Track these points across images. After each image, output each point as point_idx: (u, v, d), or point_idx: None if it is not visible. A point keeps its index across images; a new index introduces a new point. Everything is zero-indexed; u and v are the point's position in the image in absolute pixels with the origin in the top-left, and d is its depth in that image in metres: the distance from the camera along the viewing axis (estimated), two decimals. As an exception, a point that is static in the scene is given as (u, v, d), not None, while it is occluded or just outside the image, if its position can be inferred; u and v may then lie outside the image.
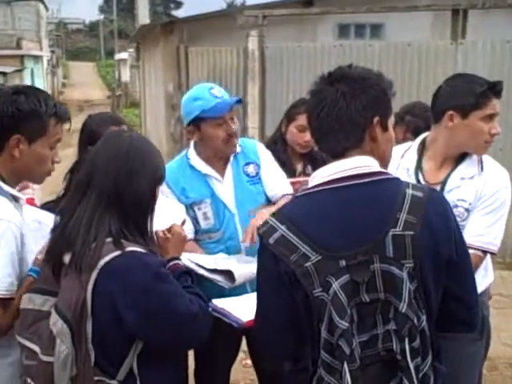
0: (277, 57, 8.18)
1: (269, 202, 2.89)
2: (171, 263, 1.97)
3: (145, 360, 1.81)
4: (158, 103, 11.77)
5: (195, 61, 9.04)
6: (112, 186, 1.80)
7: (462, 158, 2.49)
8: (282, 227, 1.59)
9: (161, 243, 2.02)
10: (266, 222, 1.64)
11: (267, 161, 2.93)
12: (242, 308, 2.17)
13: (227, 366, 3.08)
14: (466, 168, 2.47)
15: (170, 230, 2.07)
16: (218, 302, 2.21)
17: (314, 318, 1.55)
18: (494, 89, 2.36)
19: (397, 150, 2.60)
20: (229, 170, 2.81)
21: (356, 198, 1.60)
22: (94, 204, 1.80)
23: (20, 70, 24.71)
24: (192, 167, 2.80)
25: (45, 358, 1.79)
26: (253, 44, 8.15)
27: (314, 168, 3.21)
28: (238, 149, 2.83)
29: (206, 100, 2.68)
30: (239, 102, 2.79)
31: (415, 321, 1.53)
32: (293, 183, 3.05)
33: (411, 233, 1.54)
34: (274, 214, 1.66)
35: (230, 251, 2.71)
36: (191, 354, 3.02)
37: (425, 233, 1.56)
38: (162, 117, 10.56)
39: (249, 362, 4.28)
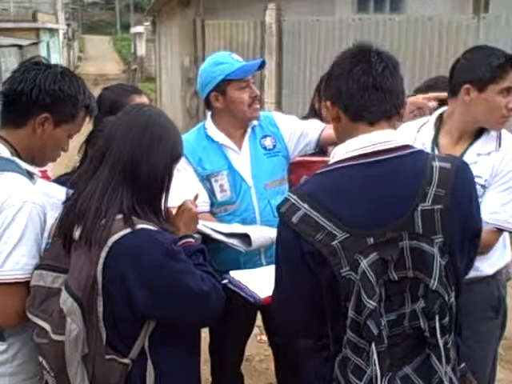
0: (294, 31, 8.08)
1: (315, 153, 2.92)
2: (183, 241, 1.91)
3: (156, 339, 1.79)
4: (174, 77, 11.72)
5: (212, 34, 8.96)
6: (127, 159, 1.76)
7: (479, 133, 2.42)
8: (305, 205, 1.53)
9: (172, 220, 1.99)
10: (286, 200, 1.59)
11: (287, 124, 2.89)
12: (259, 282, 2.14)
13: (242, 341, 3.07)
14: (483, 144, 2.40)
15: (181, 206, 2.03)
16: (235, 274, 2.19)
17: (339, 297, 1.51)
18: None
19: (414, 124, 2.55)
20: (246, 141, 2.77)
21: (381, 174, 1.55)
22: (108, 177, 1.76)
23: (36, 43, 24.72)
24: (209, 138, 2.76)
25: (55, 337, 1.75)
26: (270, 17, 8.05)
27: None
28: (255, 122, 2.80)
29: (230, 63, 2.68)
30: (263, 65, 2.78)
31: (446, 297, 1.50)
32: (316, 162, 2.96)
33: (440, 206, 1.51)
34: (294, 192, 1.61)
35: (245, 224, 2.66)
36: (205, 328, 3.03)
37: (453, 205, 1.53)
38: (177, 91, 10.52)
39: (263, 337, 4.30)
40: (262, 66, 2.77)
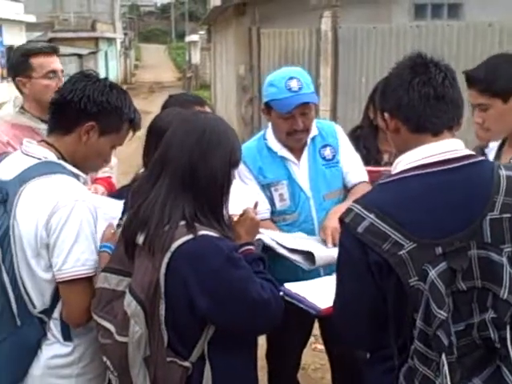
0: (350, 38, 8.03)
1: (345, 186, 2.84)
2: (244, 248, 1.93)
3: (215, 344, 1.81)
4: (229, 85, 11.83)
5: (267, 42, 9.00)
6: (187, 166, 1.78)
7: None
8: (371, 215, 1.53)
9: (234, 228, 2.01)
10: (350, 210, 1.59)
11: (345, 143, 2.86)
12: (317, 293, 2.13)
13: (299, 349, 3.07)
14: None
15: (242, 214, 2.04)
16: (291, 287, 2.18)
17: (406, 307, 1.50)
18: None
19: None
20: (305, 152, 2.76)
21: (448, 184, 1.54)
22: (169, 185, 1.79)
23: (94, 52, 25.39)
24: (269, 148, 2.78)
25: (119, 338, 1.80)
26: (326, 25, 8.03)
27: None
28: (315, 132, 2.79)
29: (279, 90, 2.63)
30: (312, 99, 2.68)
31: None
32: (370, 172, 2.93)
33: (509, 215, 1.51)
34: (358, 202, 1.60)
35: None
36: (262, 336, 3.03)
37: None
38: (232, 99, 10.61)
39: (319, 346, 4.28)
40: (311, 99, 2.66)
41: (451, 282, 1.46)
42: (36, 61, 2.83)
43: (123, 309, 1.79)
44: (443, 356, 1.42)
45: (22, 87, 2.87)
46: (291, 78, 2.63)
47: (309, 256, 2.31)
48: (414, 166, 1.59)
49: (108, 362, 1.87)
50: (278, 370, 3.07)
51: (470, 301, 1.49)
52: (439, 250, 1.48)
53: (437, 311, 1.42)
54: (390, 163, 3.17)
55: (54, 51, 2.94)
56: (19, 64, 2.87)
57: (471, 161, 1.59)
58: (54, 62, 2.90)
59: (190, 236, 1.72)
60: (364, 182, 2.79)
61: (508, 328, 1.46)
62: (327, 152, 2.79)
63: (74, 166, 2.01)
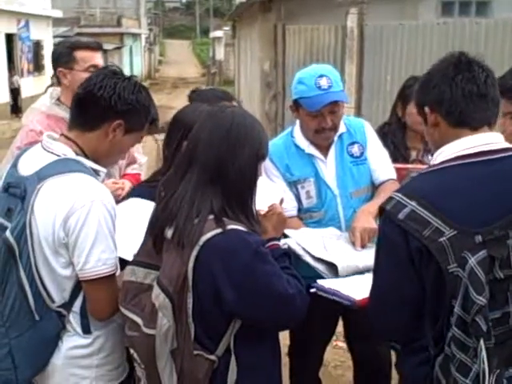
0: (376, 35, 7.99)
1: (373, 183, 2.83)
2: (270, 243, 1.93)
3: (242, 338, 1.81)
4: (253, 81, 11.83)
5: (292, 39, 8.98)
6: (215, 160, 1.79)
7: None
8: (412, 203, 1.57)
9: (261, 222, 2.02)
10: (391, 199, 1.63)
11: (374, 141, 2.84)
12: (350, 287, 2.13)
13: (322, 345, 3.07)
14: None
15: (270, 210, 2.04)
16: (324, 283, 2.19)
17: (444, 294, 1.54)
18: None
19: None
20: (332, 150, 2.75)
21: (488, 174, 1.60)
22: (197, 179, 1.80)
23: (119, 48, 25.58)
24: (297, 146, 2.78)
25: (147, 331, 1.81)
26: (352, 22, 8.00)
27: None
28: (343, 129, 2.78)
29: (308, 88, 2.62)
30: (342, 97, 2.66)
31: None
32: (398, 169, 2.91)
33: None
34: (399, 191, 1.65)
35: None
36: (285, 331, 3.04)
37: None
38: (256, 95, 10.61)
39: (339, 343, 4.27)
40: (340, 98, 2.64)
41: (490, 270, 1.50)
42: (80, 54, 2.88)
43: (151, 301, 1.80)
44: (481, 341, 1.45)
45: (62, 78, 2.91)
46: (321, 76, 2.61)
47: (333, 266, 2.31)
48: (454, 157, 1.64)
49: (135, 355, 1.88)
50: (300, 367, 3.07)
51: (505, 289, 1.52)
52: (479, 239, 1.51)
53: (476, 297, 1.45)
54: (418, 160, 3.16)
55: (98, 47, 3.00)
56: (63, 56, 2.91)
57: (510, 153, 1.64)
58: (97, 58, 2.94)
59: (219, 230, 1.73)
60: (392, 179, 2.77)
61: None
62: (355, 149, 2.78)
63: (95, 161, 2.01)
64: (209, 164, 1.80)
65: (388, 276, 1.67)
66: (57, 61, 2.96)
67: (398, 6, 9.00)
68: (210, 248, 1.72)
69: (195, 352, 1.78)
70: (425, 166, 2.92)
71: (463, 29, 7.42)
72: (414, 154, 3.18)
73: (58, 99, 2.94)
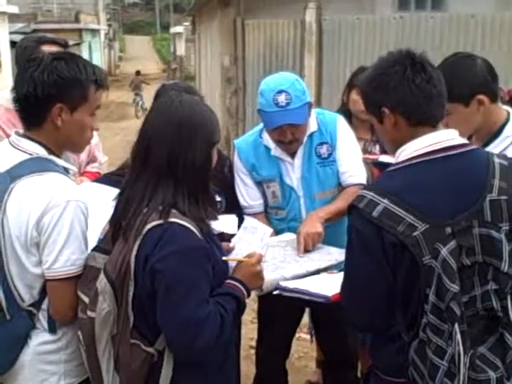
0: (334, 29, 8.07)
1: (340, 184, 2.82)
2: (231, 282, 1.91)
3: None
4: (214, 77, 11.80)
5: (252, 34, 8.98)
6: (167, 155, 1.82)
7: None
8: (385, 201, 1.67)
9: (233, 270, 1.98)
10: (362, 197, 1.71)
11: (345, 139, 2.81)
12: (316, 285, 2.16)
13: (288, 337, 3.11)
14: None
15: (245, 259, 2.00)
16: (288, 284, 2.19)
17: (418, 283, 1.64)
18: None
19: None
20: (300, 150, 2.75)
21: (451, 168, 1.71)
22: (151, 175, 1.84)
23: (78, 44, 25.15)
24: (265, 146, 2.79)
25: (89, 313, 1.86)
26: (310, 16, 8.05)
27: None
28: (314, 127, 2.76)
29: (266, 103, 2.60)
30: (298, 119, 2.60)
31: None
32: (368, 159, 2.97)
33: (505, 197, 1.68)
34: (369, 189, 1.73)
35: (291, 232, 2.69)
36: (254, 326, 3.06)
37: None
38: (217, 90, 10.59)
39: (302, 335, 4.32)
40: (300, 115, 2.59)
41: (459, 259, 1.61)
42: (47, 49, 2.84)
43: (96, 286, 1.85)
44: (456, 325, 1.56)
45: None
46: (280, 92, 2.55)
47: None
48: (419, 154, 1.73)
49: (80, 336, 1.92)
50: (267, 359, 3.11)
51: (471, 275, 1.63)
52: (449, 230, 1.63)
53: (450, 285, 1.57)
54: (365, 150, 3.19)
55: (65, 44, 2.99)
56: (30, 49, 2.89)
57: (468, 148, 1.76)
58: None
59: (160, 221, 1.77)
60: (359, 184, 2.71)
61: (509, 298, 1.61)
62: (323, 150, 2.77)
63: (65, 149, 2.00)
64: (162, 160, 1.83)
65: (361, 269, 1.74)
66: (21, 55, 2.93)
67: (355, 0, 9.09)
68: (148, 237, 1.77)
69: (132, 341, 1.81)
70: (376, 156, 2.99)
71: (419, 23, 7.55)
72: (361, 145, 3.16)
73: None
